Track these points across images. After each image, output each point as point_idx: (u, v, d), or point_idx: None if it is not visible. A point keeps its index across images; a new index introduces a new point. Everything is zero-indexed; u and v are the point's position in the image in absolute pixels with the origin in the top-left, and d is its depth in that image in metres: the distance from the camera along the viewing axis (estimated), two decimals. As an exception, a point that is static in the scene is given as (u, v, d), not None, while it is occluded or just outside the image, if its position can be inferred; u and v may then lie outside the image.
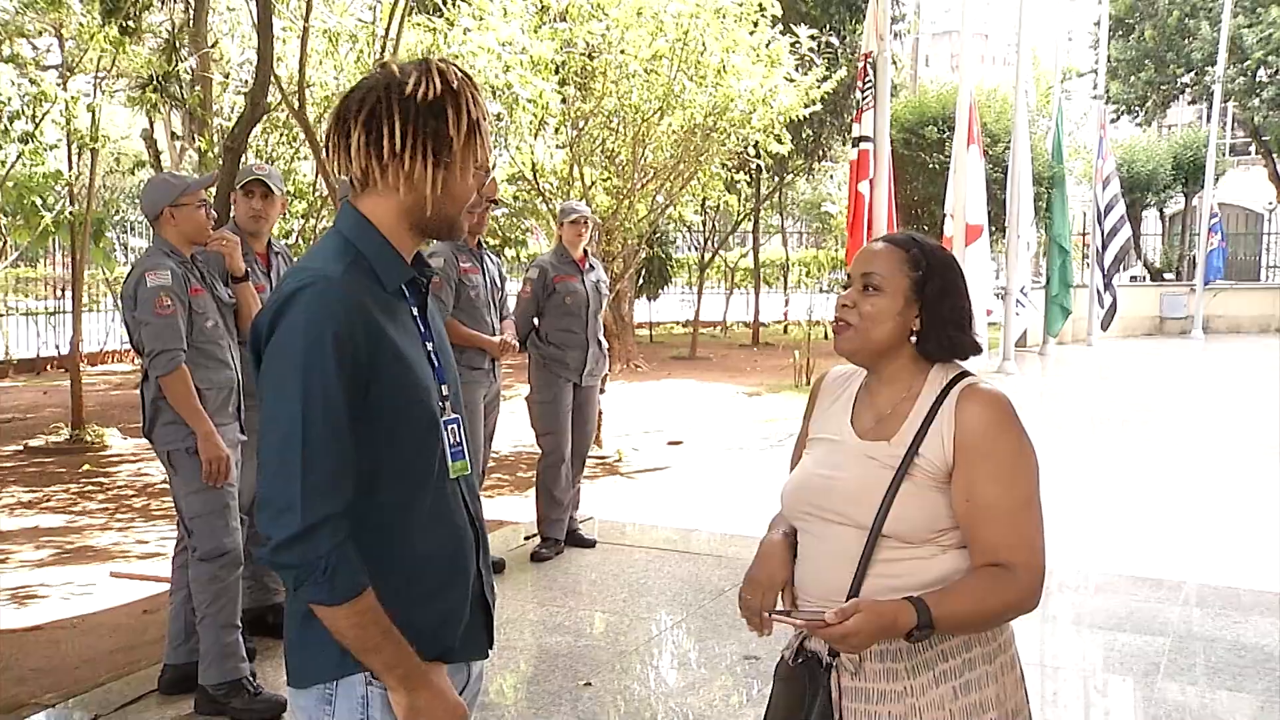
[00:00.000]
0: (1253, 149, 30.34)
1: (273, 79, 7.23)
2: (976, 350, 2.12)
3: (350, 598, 1.71)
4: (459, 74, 1.83)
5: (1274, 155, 27.60)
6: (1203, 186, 23.02)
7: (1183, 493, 8.07)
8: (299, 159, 11.06)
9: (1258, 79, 26.32)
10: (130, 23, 11.41)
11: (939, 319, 2.07)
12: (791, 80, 10.33)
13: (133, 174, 16.31)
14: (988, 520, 1.96)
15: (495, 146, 9.45)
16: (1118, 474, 8.80)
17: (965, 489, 1.97)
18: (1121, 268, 19.57)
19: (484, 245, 6.01)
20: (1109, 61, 26.87)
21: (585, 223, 6.41)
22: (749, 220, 21.81)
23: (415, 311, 1.91)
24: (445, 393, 1.91)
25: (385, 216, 1.85)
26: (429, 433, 1.84)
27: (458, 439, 1.92)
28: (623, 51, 9.41)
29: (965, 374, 2.08)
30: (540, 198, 10.20)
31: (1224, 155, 29.69)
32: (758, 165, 13.30)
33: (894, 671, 1.99)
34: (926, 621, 1.91)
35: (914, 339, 2.08)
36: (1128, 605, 5.48)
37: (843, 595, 1.99)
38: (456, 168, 1.84)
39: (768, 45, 10.00)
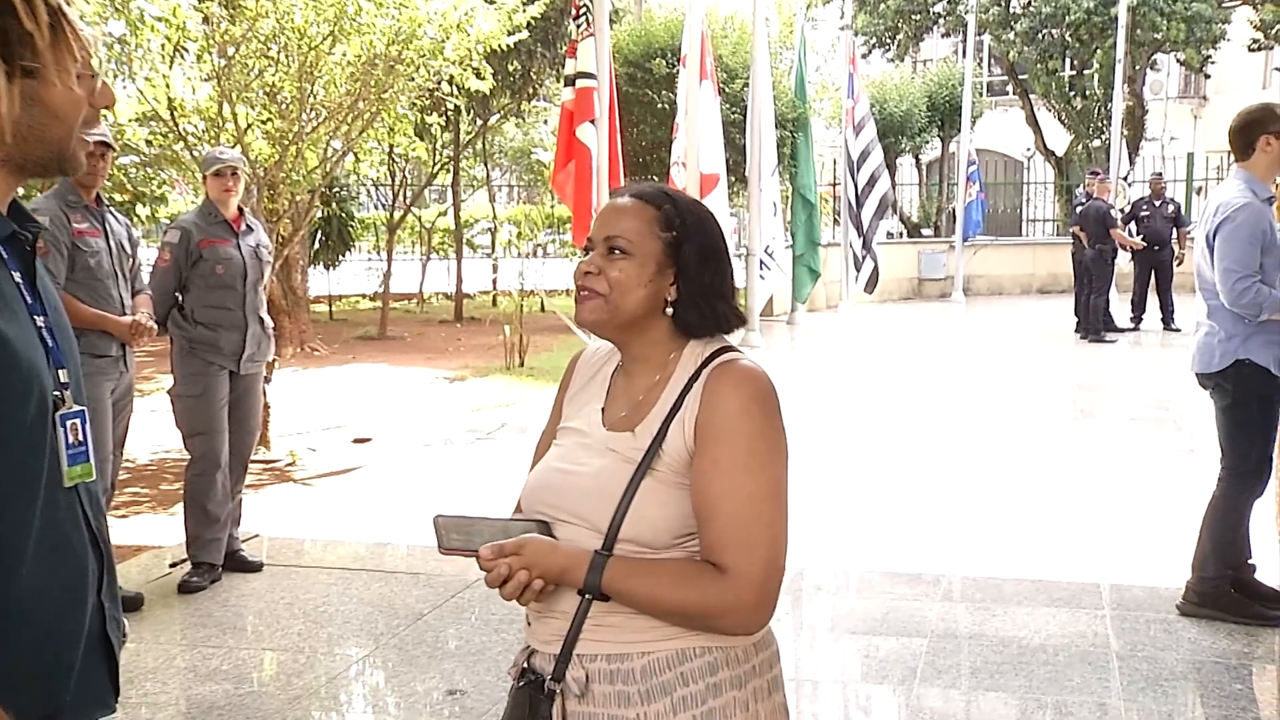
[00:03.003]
0: (1010, 88, 32.60)
1: None
2: (741, 322, 2.21)
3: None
4: None
5: (1031, 95, 29.76)
6: (959, 131, 24.52)
7: (944, 476, 8.63)
8: None
9: (1011, 9, 28.33)
10: None
11: (698, 287, 2.13)
12: (492, 3, 10.32)
13: None
14: (711, 513, 2.01)
15: (119, 77, 9.01)
16: (876, 457, 9.32)
17: (696, 475, 2.03)
18: (881, 219, 20.37)
19: (106, 201, 5.78)
20: (856, -13, 28.33)
21: (235, 174, 6.26)
22: (447, 171, 21.71)
23: (18, 277, 1.76)
24: (64, 379, 1.79)
25: None
26: (36, 430, 1.71)
27: (79, 438, 1.80)
28: (281, -39, 9.17)
29: (725, 349, 2.15)
30: (181, 142, 9.80)
31: (981, 95, 31.71)
32: (455, 105, 13.24)
33: (625, 695, 2.03)
34: (595, 584, 2.01)
35: (669, 310, 2.13)
36: (884, 605, 5.82)
37: (575, 603, 2.05)
38: (51, 73, 1.69)
39: (462, -41, 9.97)
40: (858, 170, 20.08)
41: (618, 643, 2.04)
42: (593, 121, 9.44)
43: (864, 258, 19.90)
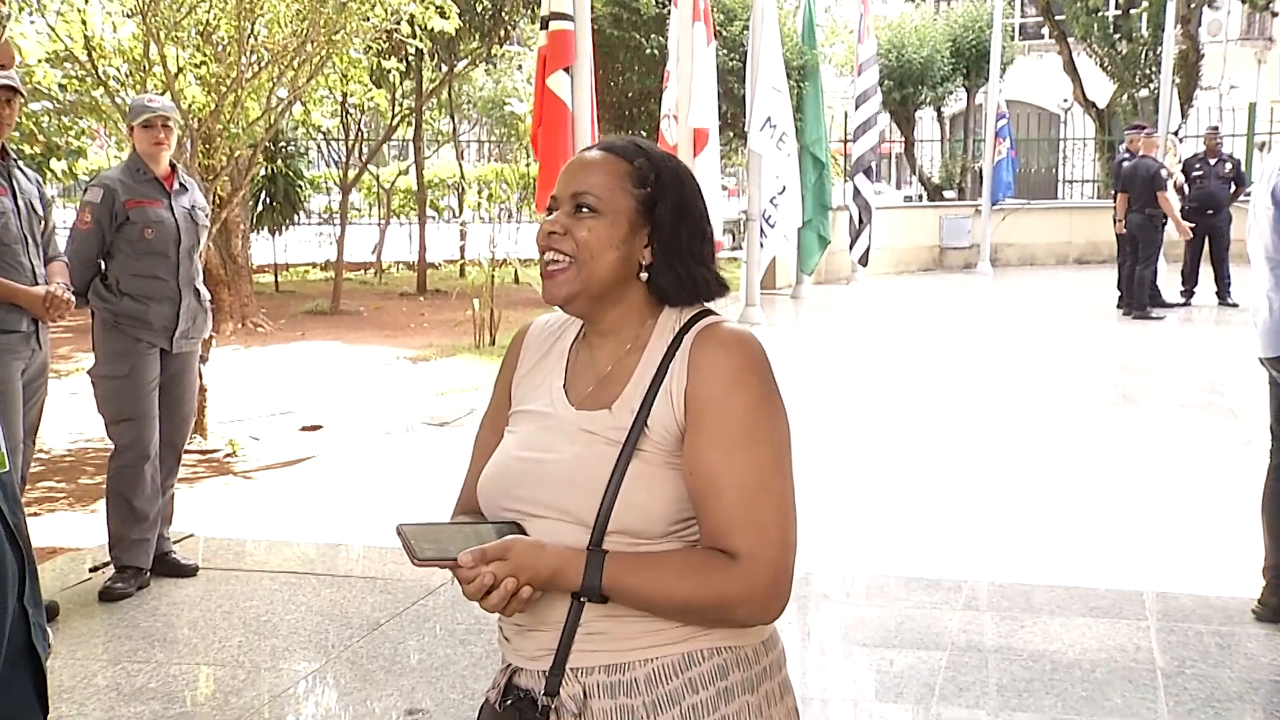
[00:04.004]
0: (1046, 31, 32.50)
1: None
2: (723, 289, 2.21)
3: None
4: None
5: (1069, 39, 29.65)
6: (987, 80, 24.48)
7: (968, 470, 8.64)
8: None
9: (1048, -59, 28.24)
10: None
11: (675, 250, 2.14)
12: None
13: None
14: (713, 495, 2.02)
15: (27, 11, 8.95)
16: (892, 448, 9.31)
17: (691, 455, 2.04)
18: (870, 176, 20.21)
19: (13, 155, 5.75)
20: (871, -84, 28.23)
21: (166, 125, 6.22)
22: (408, 124, 21.64)
23: None
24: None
25: None
26: None
27: (-8, 424, 1.81)
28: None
29: (705, 313, 2.16)
30: (101, 88, 9.75)
31: (1012, 39, 31.62)
32: (416, 49, 13.21)
33: (628, 709, 2.04)
34: (594, 585, 1.99)
35: (643, 275, 2.14)
36: (900, 614, 5.83)
37: (564, 611, 2.05)
38: None
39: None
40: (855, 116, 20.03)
41: (616, 651, 2.05)
42: (567, 69, 9.37)
43: (860, 227, 19.70)
